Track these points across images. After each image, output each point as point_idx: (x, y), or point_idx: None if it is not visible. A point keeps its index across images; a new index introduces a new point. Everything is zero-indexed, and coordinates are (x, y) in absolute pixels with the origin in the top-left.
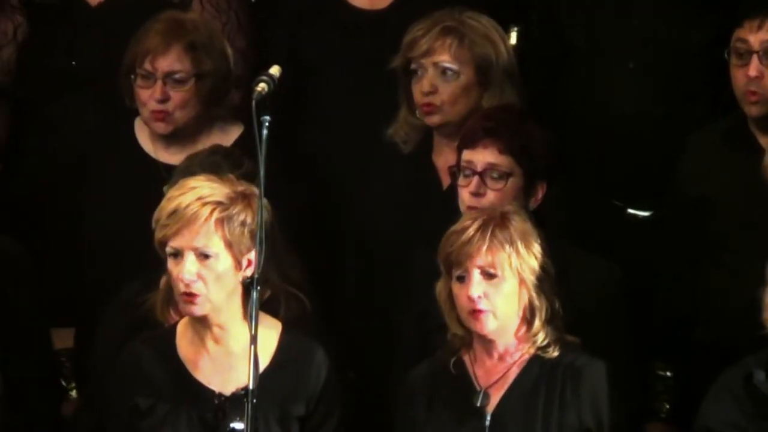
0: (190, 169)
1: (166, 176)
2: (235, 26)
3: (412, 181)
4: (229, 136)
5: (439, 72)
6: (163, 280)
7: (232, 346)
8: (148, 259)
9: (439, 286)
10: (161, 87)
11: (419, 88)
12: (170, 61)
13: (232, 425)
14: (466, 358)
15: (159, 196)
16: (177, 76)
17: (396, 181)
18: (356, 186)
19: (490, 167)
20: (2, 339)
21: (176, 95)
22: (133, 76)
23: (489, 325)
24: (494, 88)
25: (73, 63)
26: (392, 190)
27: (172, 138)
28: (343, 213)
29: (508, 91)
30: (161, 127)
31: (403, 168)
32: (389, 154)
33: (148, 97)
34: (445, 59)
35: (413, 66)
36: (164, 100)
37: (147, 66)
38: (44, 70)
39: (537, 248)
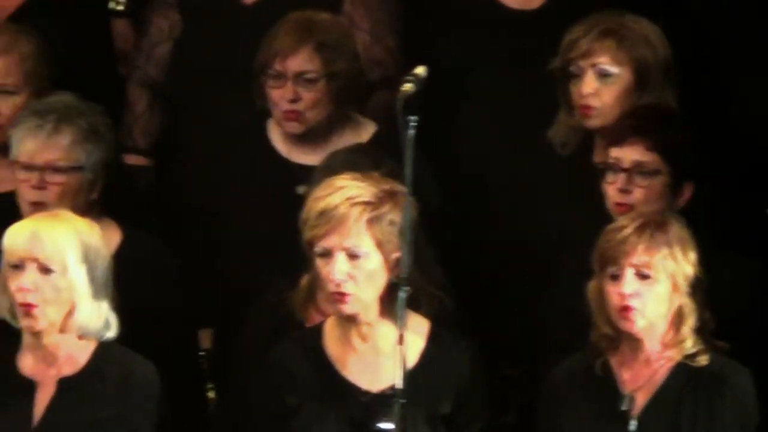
0: (331, 167)
1: (299, 176)
2: (385, 25)
3: (571, 182)
4: (361, 135)
5: (598, 74)
6: (303, 279)
7: (380, 344)
8: (283, 258)
9: (591, 284)
10: (292, 87)
11: (578, 90)
12: (300, 61)
13: (379, 425)
14: (613, 360)
15: (292, 196)
16: (307, 76)
17: (554, 182)
18: (506, 185)
19: (638, 165)
20: (151, 340)
21: (307, 95)
22: (264, 77)
23: (638, 324)
24: (652, 90)
25: (227, 59)
26: (550, 191)
27: (305, 138)
28: (493, 212)
29: (666, 94)
30: (293, 127)
31: (561, 170)
32: (547, 155)
33: (279, 97)
34: (604, 61)
35: (572, 68)
36: (295, 100)
37: (277, 66)
38: (198, 68)
39: (692, 256)
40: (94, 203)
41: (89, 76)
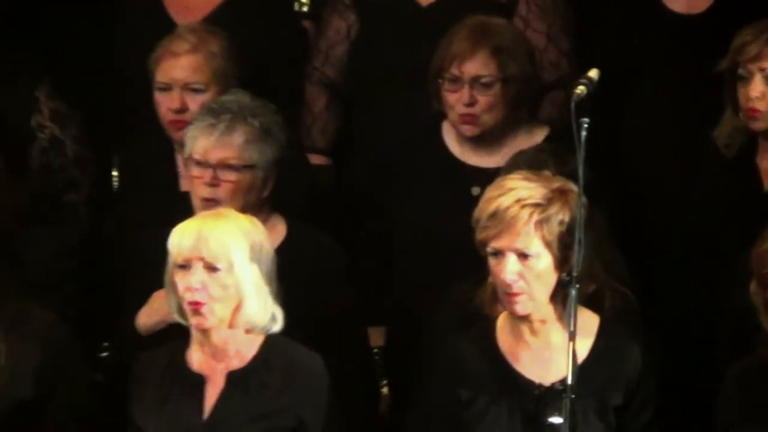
0: (516, 165)
1: (473, 178)
2: (559, 28)
3: (732, 182)
4: (534, 138)
5: (766, 78)
6: (490, 277)
7: (552, 339)
8: (456, 257)
9: (753, 285)
10: (468, 91)
11: (745, 93)
12: (477, 66)
13: (550, 420)
14: None
15: (467, 198)
16: (483, 80)
17: (716, 182)
18: (674, 185)
19: None
20: (322, 338)
21: (483, 99)
22: (440, 80)
23: None
24: None
25: (403, 60)
26: (712, 191)
27: (479, 140)
28: (659, 211)
29: None
30: (469, 130)
31: (724, 170)
32: (711, 156)
33: (455, 100)
34: None
35: (740, 70)
36: (471, 103)
37: (454, 70)
38: (374, 67)
39: None
40: (265, 200)
41: (279, 75)
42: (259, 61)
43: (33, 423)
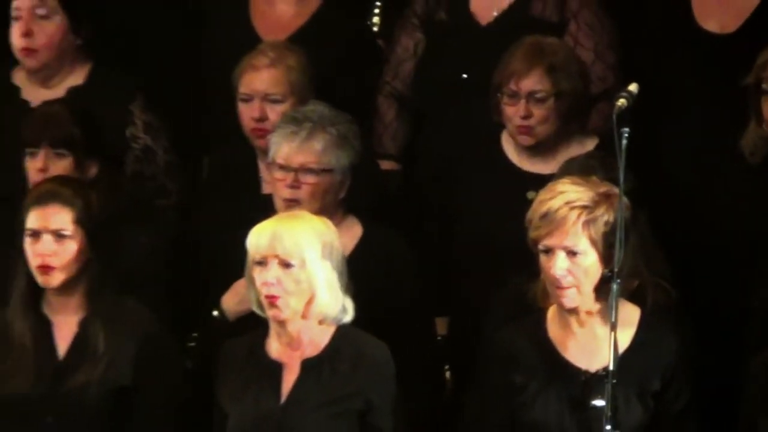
0: (567, 171)
1: (529, 183)
2: (606, 44)
3: (758, 186)
4: (586, 147)
5: None
6: (542, 273)
7: (597, 330)
8: (512, 255)
9: None
10: (525, 105)
11: None
12: (532, 82)
13: (593, 402)
14: None
15: (522, 201)
16: (538, 95)
17: (743, 186)
18: (705, 189)
19: None
20: (395, 328)
21: (538, 112)
22: (499, 95)
23: None
24: None
25: (464, 76)
26: (740, 194)
27: (535, 150)
28: (694, 213)
29: None
30: (525, 140)
31: (750, 175)
32: (738, 162)
33: (513, 113)
34: None
35: (764, 85)
36: (527, 116)
37: (512, 86)
38: (438, 81)
39: None
40: (341, 202)
41: (354, 88)
42: (337, 74)
43: (129, 408)
